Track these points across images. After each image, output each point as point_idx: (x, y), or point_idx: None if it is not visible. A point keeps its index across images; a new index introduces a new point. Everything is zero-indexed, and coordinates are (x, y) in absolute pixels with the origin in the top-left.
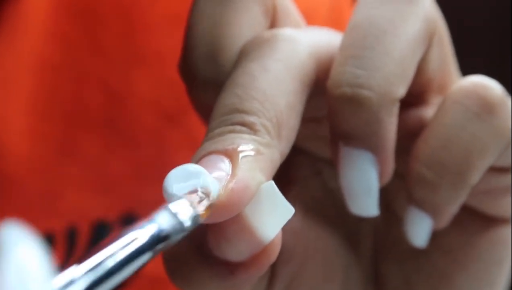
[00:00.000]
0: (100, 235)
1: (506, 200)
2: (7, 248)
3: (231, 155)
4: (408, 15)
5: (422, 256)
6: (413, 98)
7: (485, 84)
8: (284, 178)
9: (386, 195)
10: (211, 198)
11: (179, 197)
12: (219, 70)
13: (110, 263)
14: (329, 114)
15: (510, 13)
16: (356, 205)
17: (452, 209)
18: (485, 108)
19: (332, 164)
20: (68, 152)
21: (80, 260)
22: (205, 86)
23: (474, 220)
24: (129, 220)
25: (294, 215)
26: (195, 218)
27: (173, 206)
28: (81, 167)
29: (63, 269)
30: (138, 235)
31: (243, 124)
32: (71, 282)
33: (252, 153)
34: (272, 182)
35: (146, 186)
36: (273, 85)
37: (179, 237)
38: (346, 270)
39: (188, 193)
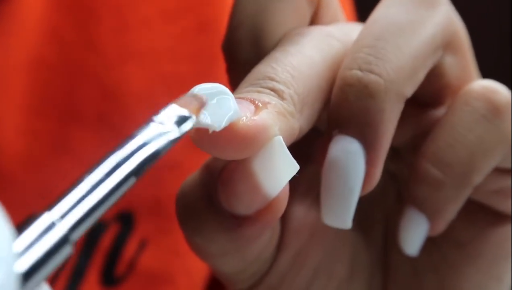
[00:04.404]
0: (96, 233)
1: None
2: None
3: (257, 105)
4: (426, 19)
5: (432, 248)
6: (431, 101)
7: (494, 88)
8: (303, 157)
9: (399, 186)
10: (227, 119)
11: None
12: (261, 53)
13: (99, 190)
14: (333, 98)
15: (510, 15)
16: (330, 208)
17: (450, 211)
18: (492, 111)
19: None
20: (63, 148)
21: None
22: (245, 67)
23: (485, 216)
24: (125, 217)
25: (309, 191)
26: (181, 121)
27: (158, 116)
28: (76, 164)
29: (60, 268)
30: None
31: (272, 89)
32: (51, 226)
33: (275, 111)
34: (281, 137)
35: (141, 183)
36: (308, 67)
37: (165, 144)
38: (355, 253)
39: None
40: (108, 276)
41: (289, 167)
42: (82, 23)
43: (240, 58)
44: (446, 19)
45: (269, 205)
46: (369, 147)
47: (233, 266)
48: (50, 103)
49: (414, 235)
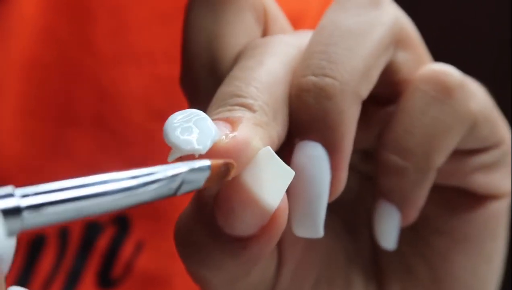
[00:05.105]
0: (92, 235)
1: (490, 177)
2: None
3: (232, 122)
4: (372, 19)
5: (419, 240)
6: (391, 97)
7: (443, 69)
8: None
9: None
10: (210, 141)
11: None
12: (219, 79)
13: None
14: (291, 106)
15: (510, 22)
16: (299, 218)
17: (418, 198)
18: (443, 92)
19: None
20: (59, 151)
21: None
22: (208, 98)
23: (464, 200)
24: (121, 219)
25: None
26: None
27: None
28: (73, 166)
29: (56, 270)
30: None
31: (241, 105)
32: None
33: (252, 124)
34: (269, 147)
35: None
36: (269, 76)
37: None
38: (349, 260)
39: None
40: (105, 278)
41: (284, 174)
42: (78, 24)
43: (201, 90)
44: (392, 17)
45: (272, 218)
46: (332, 150)
47: None
48: (46, 104)
49: (388, 227)
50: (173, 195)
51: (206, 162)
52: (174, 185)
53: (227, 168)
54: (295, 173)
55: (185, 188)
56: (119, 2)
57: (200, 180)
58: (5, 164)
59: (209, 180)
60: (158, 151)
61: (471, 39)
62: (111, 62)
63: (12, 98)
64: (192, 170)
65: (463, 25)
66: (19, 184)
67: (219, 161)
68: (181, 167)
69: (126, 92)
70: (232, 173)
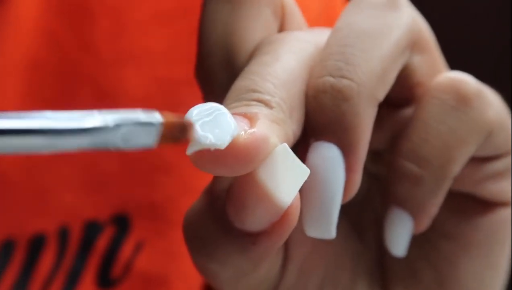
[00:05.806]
0: (92, 235)
1: (501, 185)
2: None
3: (250, 117)
4: (389, 21)
5: (425, 243)
6: (405, 101)
7: (460, 78)
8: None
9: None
10: (230, 136)
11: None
12: (235, 73)
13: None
14: (308, 107)
15: (510, 22)
16: (312, 218)
17: (433, 206)
18: (460, 101)
19: None
20: None
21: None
22: (223, 92)
23: (473, 205)
24: (120, 220)
25: None
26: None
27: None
28: (72, 167)
29: (55, 271)
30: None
31: (258, 100)
32: None
33: (269, 120)
34: (286, 145)
35: (137, 185)
36: (285, 72)
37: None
38: (355, 259)
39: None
40: (104, 278)
41: (299, 172)
42: (78, 25)
43: (216, 83)
44: (409, 19)
45: (284, 215)
46: (347, 152)
47: (247, 288)
48: (46, 105)
49: (399, 234)
50: (121, 147)
51: (157, 117)
52: (117, 136)
53: (183, 125)
54: (310, 169)
55: (133, 143)
56: (119, 3)
57: (151, 135)
58: (5, 164)
59: (162, 138)
60: (157, 151)
61: (471, 40)
62: (111, 63)
63: (11, 98)
64: (138, 123)
65: (464, 25)
66: (20, 183)
67: (174, 118)
68: (124, 118)
69: (125, 93)
70: (189, 134)
